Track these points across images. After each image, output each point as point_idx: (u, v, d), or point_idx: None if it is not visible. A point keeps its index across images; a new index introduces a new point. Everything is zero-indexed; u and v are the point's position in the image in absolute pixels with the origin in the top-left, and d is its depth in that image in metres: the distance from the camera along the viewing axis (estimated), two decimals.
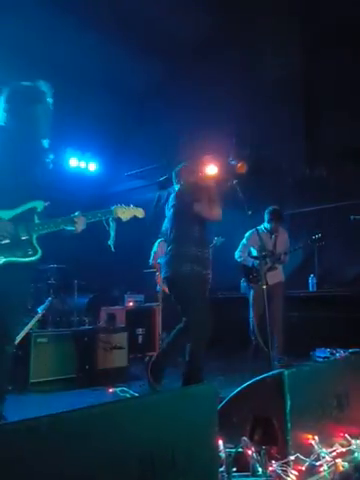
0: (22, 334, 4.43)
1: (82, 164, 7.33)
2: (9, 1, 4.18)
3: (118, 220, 2.89)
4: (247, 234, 5.44)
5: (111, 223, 2.85)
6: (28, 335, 4.51)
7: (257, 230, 5.22)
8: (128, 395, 2.41)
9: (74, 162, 7.23)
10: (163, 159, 6.88)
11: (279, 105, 6.28)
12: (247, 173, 6.44)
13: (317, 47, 6.24)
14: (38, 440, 1.26)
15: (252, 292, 5.30)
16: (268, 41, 5.75)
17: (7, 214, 2.54)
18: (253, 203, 4.92)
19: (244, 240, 5.46)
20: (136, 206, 3.00)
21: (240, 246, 5.48)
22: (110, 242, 2.87)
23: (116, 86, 5.69)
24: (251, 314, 5.22)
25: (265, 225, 5.53)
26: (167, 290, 4.21)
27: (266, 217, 5.51)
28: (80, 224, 2.72)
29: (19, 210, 2.57)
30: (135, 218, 2.98)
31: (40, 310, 4.85)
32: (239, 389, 2.16)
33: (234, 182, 4.12)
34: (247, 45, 5.68)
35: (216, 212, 3.85)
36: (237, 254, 5.47)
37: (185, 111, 6.08)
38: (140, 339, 6.13)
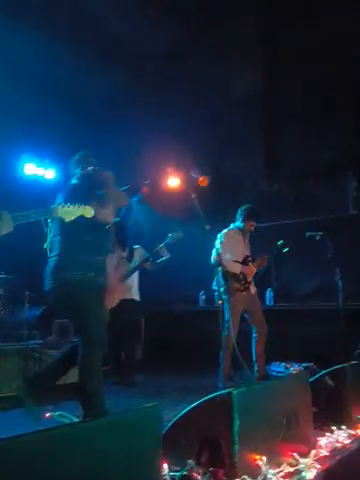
0: None
1: (39, 171, 6.92)
2: None
3: (61, 221, 2.61)
4: (222, 234, 4.90)
5: (51, 224, 2.60)
6: None
7: (232, 231, 4.94)
8: (66, 420, 2.31)
9: (30, 169, 6.83)
10: (123, 169, 6.84)
11: (240, 121, 6.37)
12: (207, 187, 6.52)
13: (278, 64, 6.37)
14: None
15: (232, 301, 4.65)
16: (230, 57, 5.82)
17: None
18: (211, 218, 4.93)
19: (221, 240, 4.85)
20: (85, 205, 2.68)
21: (218, 249, 4.71)
22: (46, 245, 2.66)
23: (76, 94, 5.62)
24: (228, 326, 4.52)
25: (237, 225, 5.03)
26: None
27: (242, 216, 5.01)
28: (2, 226, 2.41)
29: None
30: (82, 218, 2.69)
31: None
32: (187, 409, 2.13)
33: (193, 196, 4.11)
34: (208, 60, 5.74)
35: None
36: (216, 259, 4.69)
37: (146, 123, 6.07)
38: None
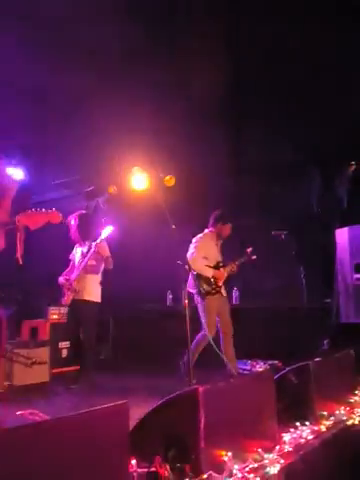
0: None
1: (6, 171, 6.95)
2: None
3: (26, 229, 2.58)
4: (197, 238, 5.10)
5: (19, 233, 2.56)
6: None
7: (206, 236, 5.13)
8: (37, 418, 2.31)
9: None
10: (89, 168, 6.80)
11: (205, 120, 6.42)
12: (174, 187, 6.53)
13: (243, 63, 6.46)
14: None
15: (205, 304, 4.90)
16: (195, 57, 5.87)
17: None
18: (177, 217, 4.96)
19: (195, 244, 5.05)
20: (50, 209, 2.67)
21: (194, 251, 4.98)
22: (19, 254, 2.62)
23: (40, 92, 5.54)
24: (204, 327, 4.81)
25: (210, 230, 5.22)
26: None
27: (213, 220, 5.19)
28: None
29: None
30: (51, 225, 2.66)
31: None
32: (154, 407, 2.15)
33: (159, 196, 4.13)
34: (175, 60, 5.77)
35: None
36: (194, 261, 4.87)
37: (112, 122, 6.04)
38: (64, 353, 5.96)
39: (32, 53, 4.72)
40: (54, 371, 5.30)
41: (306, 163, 6.81)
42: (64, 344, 5.95)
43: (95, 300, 5.07)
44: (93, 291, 5.07)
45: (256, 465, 2.18)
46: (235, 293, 6.64)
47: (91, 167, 7.00)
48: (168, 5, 5.61)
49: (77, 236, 5.16)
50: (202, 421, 2.01)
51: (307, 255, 5.23)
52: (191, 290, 4.86)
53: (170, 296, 7.08)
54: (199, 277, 4.92)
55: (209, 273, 4.99)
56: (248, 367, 5.18)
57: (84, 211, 5.52)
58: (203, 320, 4.88)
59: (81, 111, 6.08)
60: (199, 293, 4.91)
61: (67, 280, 5.10)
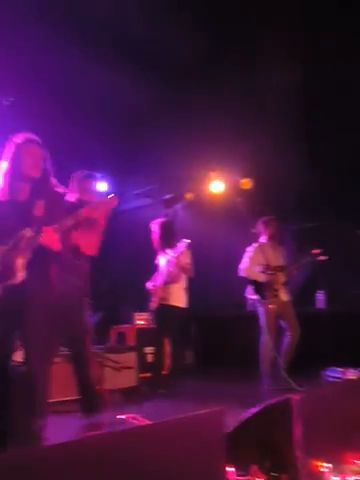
0: None
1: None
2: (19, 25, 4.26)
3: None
4: (250, 248, 5.28)
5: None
6: None
7: (260, 244, 5.25)
8: (137, 422, 2.39)
9: None
10: (167, 177, 6.95)
11: (281, 121, 6.30)
12: (251, 190, 6.49)
13: (317, 62, 6.26)
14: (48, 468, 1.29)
15: (263, 309, 5.13)
16: (268, 58, 5.78)
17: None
18: (256, 220, 4.95)
19: (248, 255, 5.28)
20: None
21: (245, 260, 5.27)
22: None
23: (117, 108, 5.75)
24: (263, 332, 5.06)
25: (262, 238, 5.36)
26: None
27: (265, 228, 5.35)
28: (44, 236, 2.75)
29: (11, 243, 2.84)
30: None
31: None
32: (247, 415, 2.14)
33: (238, 200, 4.14)
34: (248, 63, 5.72)
35: None
36: (242, 271, 5.27)
37: (187, 129, 6.11)
38: (150, 358, 6.10)
39: (116, 70, 4.91)
40: (140, 376, 5.41)
41: None
42: (149, 349, 6.08)
43: (181, 306, 5.15)
44: (179, 297, 5.16)
45: (359, 478, 2.10)
46: (320, 296, 6.42)
47: (169, 175, 7.13)
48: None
49: (159, 244, 5.26)
50: (297, 430, 1.98)
51: None
52: (250, 297, 5.22)
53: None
54: (254, 283, 5.18)
55: (263, 279, 5.15)
56: (339, 375, 4.96)
57: (165, 219, 5.63)
58: (262, 325, 5.08)
59: (156, 121, 6.22)
60: (258, 299, 5.16)
61: (154, 286, 5.24)
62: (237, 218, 4.91)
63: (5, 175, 2.93)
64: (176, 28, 4.96)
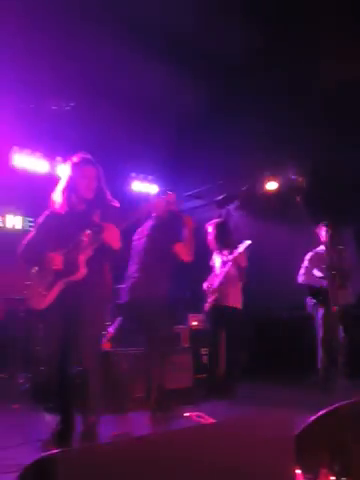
0: None
1: (144, 187, 7.59)
2: (77, 37, 4.38)
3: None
4: (308, 256, 5.37)
5: None
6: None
7: (319, 249, 5.32)
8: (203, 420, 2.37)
9: (137, 185, 7.54)
10: (219, 178, 6.91)
11: (336, 118, 6.12)
12: (307, 189, 6.33)
13: None
14: (121, 461, 1.30)
15: (321, 312, 5.19)
16: (321, 58, 5.63)
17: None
18: (315, 219, 4.81)
19: (307, 260, 5.37)
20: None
21: (303, 267, 5.38)
22: None
23: (174, 111, 5.79)
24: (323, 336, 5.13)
25: (324, 241, 5.34)
26: None
27: (324, 231, 5.29)
28: (109, 233, 2.93)
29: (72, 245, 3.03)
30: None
31: (111, 330, 4.93)
32: (316, 416, 2.07)
33: (298, 199, 4.06)
34: (303, 61, 5.60)
35: None
36: (300, 278, 5.38)
37: (239, 129, 6.06)
38: (204, 359, 6.07)
39: (168, 73, 4.95)
40: (196, 377, 5.39)
41: None
42: (204, 350, 6.05)
43: (237, 306, 5.12)
44: (235, 297, 5.13)
45: None
46: None
47: (221, 175, 7.10)
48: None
49: (214, 244, 5.25)
50: None
51: None
52: (309, 299, 5.34)
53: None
54: (312, 288, 5.30)
55: (322, 283, 5.17)
56: None
57: (220, 219, 5.61)
58: (320, 328, 5.14)
59: (209, 123, 6.21)
60: (316, 302, 5.27)
61: (209, 286, 5.22)
62: (294, 217, 4.83)
63: (63, 192, 3.17)
64: (227, 31, 4.95)
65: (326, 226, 5.24)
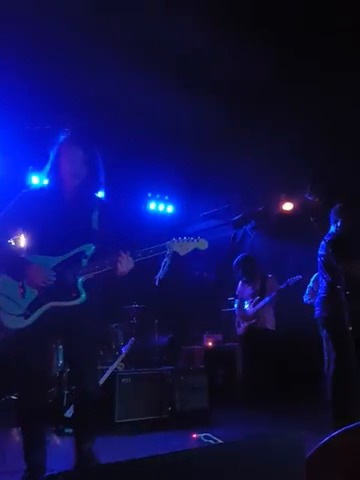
0: (107, 374, 4.53)
1: (160, 207, 7.70)
2: (93, 60, 4.51)
3: (175, 254, 2.70)
4: (313, 278, 5.40)
5: (166, 258, 2.69)
6: (113, 375, 4.60)
7: None
8: (212, 441, 2.35)
9: (153, 205, 7.66)
10: (236, 199, 6.95)
11: (353, 140, 6.13)
12: (324, 208, 6.30)
13: None
14: None
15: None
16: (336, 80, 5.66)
17: (54, 260, 2.60)
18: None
19: (310, 283, 5.45)
20: (200, 238, 2.76)
21: (307, 289, 5.47)
22: (158, 276, 2.75)
23: (189, 131, 5.89)
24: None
25: None
26: None
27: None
28: (123, 264, 2.55)
29: (67, 255, 2.61)
30: (197, 250, 2.75)
31: (124, 350, 4.95)
32: (327, 439, 2.04)
33: (311, 219, 4.04)
34: (319, 84, 5.64)
35: None
36: (305, 298, 5.44)
37: (255, 151, 6.12)
38: (220, 380, 6.03)
39: (185, 94, 5.05)
40: (211, 398, 5.35)
41: None
42: (220, 371, 6.02)
43: (273, 328, 5.61)
44: (271, 320, 5.64)
45: None
46: None
47: (237, 196, 7.14)
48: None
49: (242, 276, 5.80)
50: None
51: None
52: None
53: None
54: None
55: None
56: None
57: (245, 254, 6.04)
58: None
59: (225, 143, 6.27)
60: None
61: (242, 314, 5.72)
62: (309, 237, 4.80)
63: (48, 175, 2.79)
64: (245, 51, 5.02)
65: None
